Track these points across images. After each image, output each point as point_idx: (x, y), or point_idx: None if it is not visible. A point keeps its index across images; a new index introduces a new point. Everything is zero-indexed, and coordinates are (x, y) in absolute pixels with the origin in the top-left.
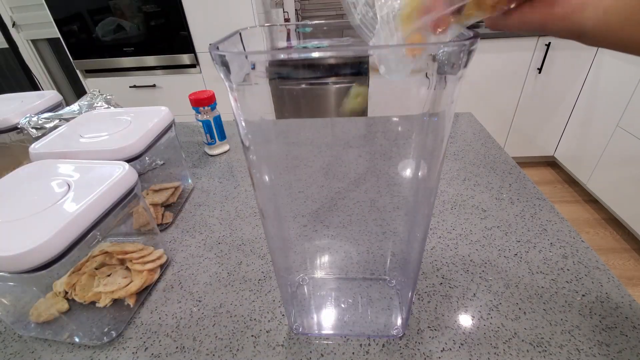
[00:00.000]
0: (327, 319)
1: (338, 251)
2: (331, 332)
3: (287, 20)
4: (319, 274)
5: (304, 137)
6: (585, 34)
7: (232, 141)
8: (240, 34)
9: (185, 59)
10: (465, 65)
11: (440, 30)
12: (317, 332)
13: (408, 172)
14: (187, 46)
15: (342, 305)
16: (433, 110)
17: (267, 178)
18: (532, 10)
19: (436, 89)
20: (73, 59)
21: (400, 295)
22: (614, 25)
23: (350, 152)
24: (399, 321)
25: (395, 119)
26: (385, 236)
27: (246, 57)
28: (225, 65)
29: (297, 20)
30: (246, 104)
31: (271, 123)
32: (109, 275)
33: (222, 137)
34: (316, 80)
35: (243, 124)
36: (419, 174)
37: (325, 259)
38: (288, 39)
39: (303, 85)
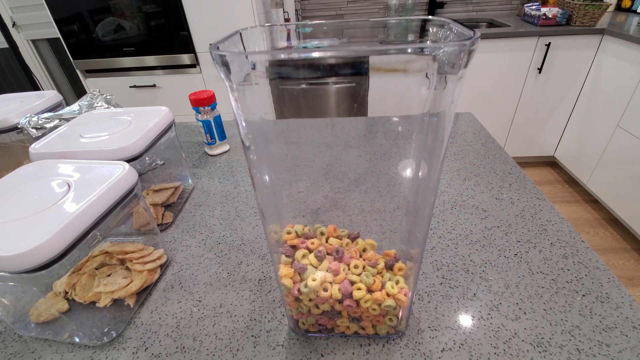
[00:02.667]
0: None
1: None
2: (331, 332)
3: (287, 20)
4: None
5: (304, 137)
6: None
7: (232, 141)
8: (240, 34)
9: (185, 59)
10: (466, 65)
11: None
12: (317, 332)
13: (408, 172)
14: (187, 46)
15: None
16: (433, 110)
17: (267, 178)
18: None
19: (436, 89)
20: (73, 59)
21: None
22: None
23: (350, 152)
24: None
25: (395, 119)
26: (385, 236)
27: (246, 57)
28: (225, 65)
29: (297, 20)
30: (246, 104)
31: (271, 123)
32: (109, 275)
33: (222, 137)
34: (316, 80)
35: (243, 124)
36: (419, 174)
37: None
38: (288, 39)
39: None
